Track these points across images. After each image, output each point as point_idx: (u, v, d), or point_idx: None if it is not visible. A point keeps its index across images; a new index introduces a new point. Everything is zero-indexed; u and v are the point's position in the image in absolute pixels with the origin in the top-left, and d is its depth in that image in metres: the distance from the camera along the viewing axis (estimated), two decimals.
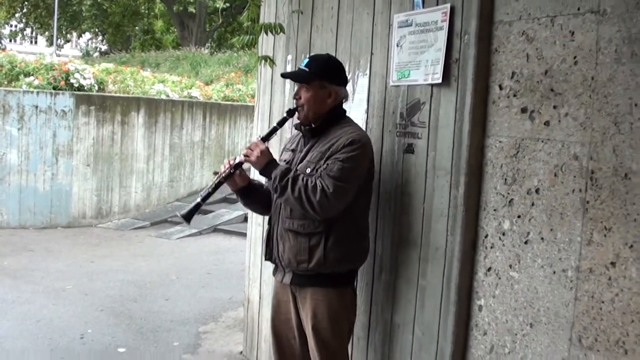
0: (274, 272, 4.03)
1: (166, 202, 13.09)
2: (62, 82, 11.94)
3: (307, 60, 3.89)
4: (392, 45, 3.84)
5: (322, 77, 3.78)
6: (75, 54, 42.28)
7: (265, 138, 3.91)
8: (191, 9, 33.82)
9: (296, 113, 3.87)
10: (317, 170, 3.67)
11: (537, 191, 3.07)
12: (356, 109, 4.17)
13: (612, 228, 2.73)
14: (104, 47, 46.21)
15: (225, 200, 12.50)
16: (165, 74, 18.83)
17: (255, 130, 5.74)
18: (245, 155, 3.82)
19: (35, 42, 51.29)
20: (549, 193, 3.01)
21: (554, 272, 2.99)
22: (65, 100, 11.63)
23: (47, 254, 9.71)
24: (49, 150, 11.57)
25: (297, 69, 4.00)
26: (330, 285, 3.77)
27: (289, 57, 4.98)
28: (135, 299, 7.56)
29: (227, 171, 3.89)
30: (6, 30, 45.87)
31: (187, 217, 3.92)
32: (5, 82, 12.07)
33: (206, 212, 12.68)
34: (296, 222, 3.75)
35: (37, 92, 11.57)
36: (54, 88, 11.83)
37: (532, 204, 3.09)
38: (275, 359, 4.20)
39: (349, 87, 4.20)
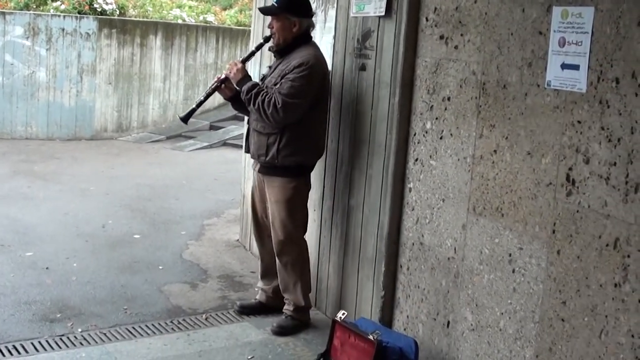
0: (253, 163, 5.05)
1: (181, 114, 13.82)
2: (87, 7, 12.67)
3: None
4: None
5: (287, 11, 4.72)
6: None
7: (245, 60, 5.01)
8: None
9: (271, 39, 4.84)
10: (277, 85, 4.62)
11: (449, 99, 4.05)
12: (327, 35, 5.12)
13: (495, 125, 3.72)
14: None
15: (235, 117, 13.38)
16: None
17: None
18: (227, 72, 4.87)
19: None
20: (456, 100, 3.99)
21: (458, 160, 3.98)
22: (89, 24, 12.44)
23: (72, 161, 10.69)
24: (74, 69, 12.41)
25: (270, 4, 4.97)
26: (285, 175, 4.78)
27: None
28: (150, 199, 8.59)
29: (215, 84, 4.97)
30: None
31: (185, 119, 5.14)
32: (34, 7, 12.79)
33: (217, 128, 13.66)
34: (259, 124, 4.76)
35: (64, 16, 12.35)
36: (79, 12, 12.56)
37: (445, 109, 4.07)
38: (253, 232, 5.32)
39: (321, 17, 5.18)
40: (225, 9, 18.64)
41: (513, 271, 3.62)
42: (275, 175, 4.79)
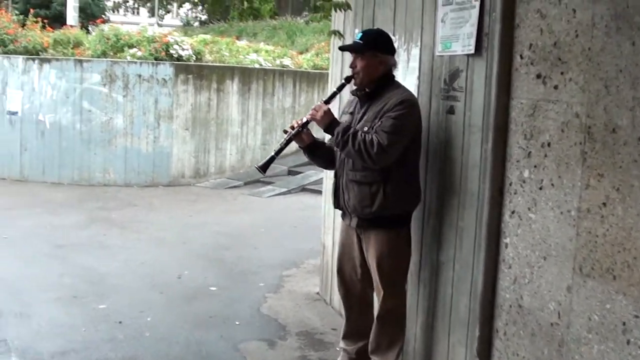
0: (343, 217, 4.70)
1: (259, 163, 13.74)
2: (163, 53, 12.74)
3: (360, 34, 4.53)
4: (438, 20, 4.44)
5: (374, 48, 4.41)
6: (176, 24, 43.29)
7: (327, 101, 4.59)
8: None
9: (352, 80, 4.49)
10: (372, 128, 4.28)
11: (548, 145, 3.64)
12: (410, 75, 4.79)
13: (604, 174, 3.29)
14: (204, 17, 47.14)
15: None
16: (261, 43, 19.50)
17: None
18: (312, 116, 4.47)
19: (137, 13, 52.45)
20: (557, 146, 3.58)
21: (561, 213, 3.56)
22: (166, 70, 12.45)
23: (149, 209, 10.61)
24: (151, 115, 12.43)
25: (352, 42, 4.63)
26: (390, 226, 4.43)
27: (356, 31, 5.60)
28: (227, 247, 8.37)
29: (297, 129, 4.56)
30: (109, 2, 47.09)
31: (264, 168, 4.64)
32: (111, 54, 12.92)
33: (295, 173, 13.43)
34: (358, 174, 4.39)
35: (140, 63, 12.44)
36: (155, 59, 12.64)
37: (545, 156, 3.67)
38: (340, 294, 4.91)
39: (404, 57, 4.85)
40: (301, 53, 18.58)
41: (628, 342, 3.17)
42: (380, 228, 4.44)
